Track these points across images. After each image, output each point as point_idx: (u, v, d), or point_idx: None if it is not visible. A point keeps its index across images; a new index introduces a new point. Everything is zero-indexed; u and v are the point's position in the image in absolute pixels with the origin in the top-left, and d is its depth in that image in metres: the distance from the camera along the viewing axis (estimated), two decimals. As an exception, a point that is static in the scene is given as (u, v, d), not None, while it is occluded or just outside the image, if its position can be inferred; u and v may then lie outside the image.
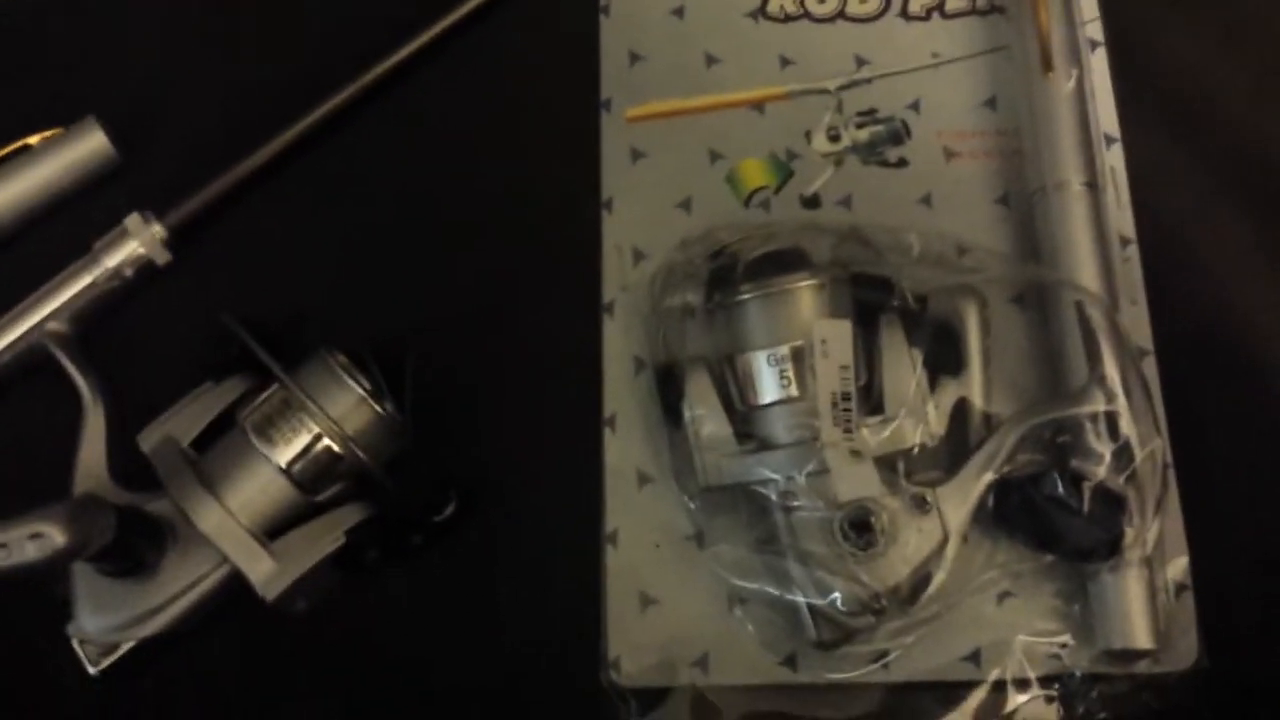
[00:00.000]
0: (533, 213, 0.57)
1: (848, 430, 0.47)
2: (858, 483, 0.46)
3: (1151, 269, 0.55)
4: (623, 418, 0.53)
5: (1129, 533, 0.47)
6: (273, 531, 0.48)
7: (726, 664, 0.50)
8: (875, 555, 0.46)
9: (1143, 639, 0.47)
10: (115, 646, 0.48)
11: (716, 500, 0.50)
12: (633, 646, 0.50)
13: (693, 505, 0.50)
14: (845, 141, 0.58)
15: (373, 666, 0.51)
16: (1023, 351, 0.53)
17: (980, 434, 0.49)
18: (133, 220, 0.55)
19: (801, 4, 0.61)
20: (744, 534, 0.50)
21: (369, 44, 0.58)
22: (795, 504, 0.47)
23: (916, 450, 0.47)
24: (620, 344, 0.54)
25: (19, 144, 0.57)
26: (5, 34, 0.62)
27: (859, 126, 0.58)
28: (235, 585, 0.48)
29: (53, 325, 0.54)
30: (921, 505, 0.47)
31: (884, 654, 0.48)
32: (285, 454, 0.49)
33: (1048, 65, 0.55)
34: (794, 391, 0.48)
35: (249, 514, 0.48)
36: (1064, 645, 0.49)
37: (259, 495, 0.49)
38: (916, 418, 0.48)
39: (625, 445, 0.52)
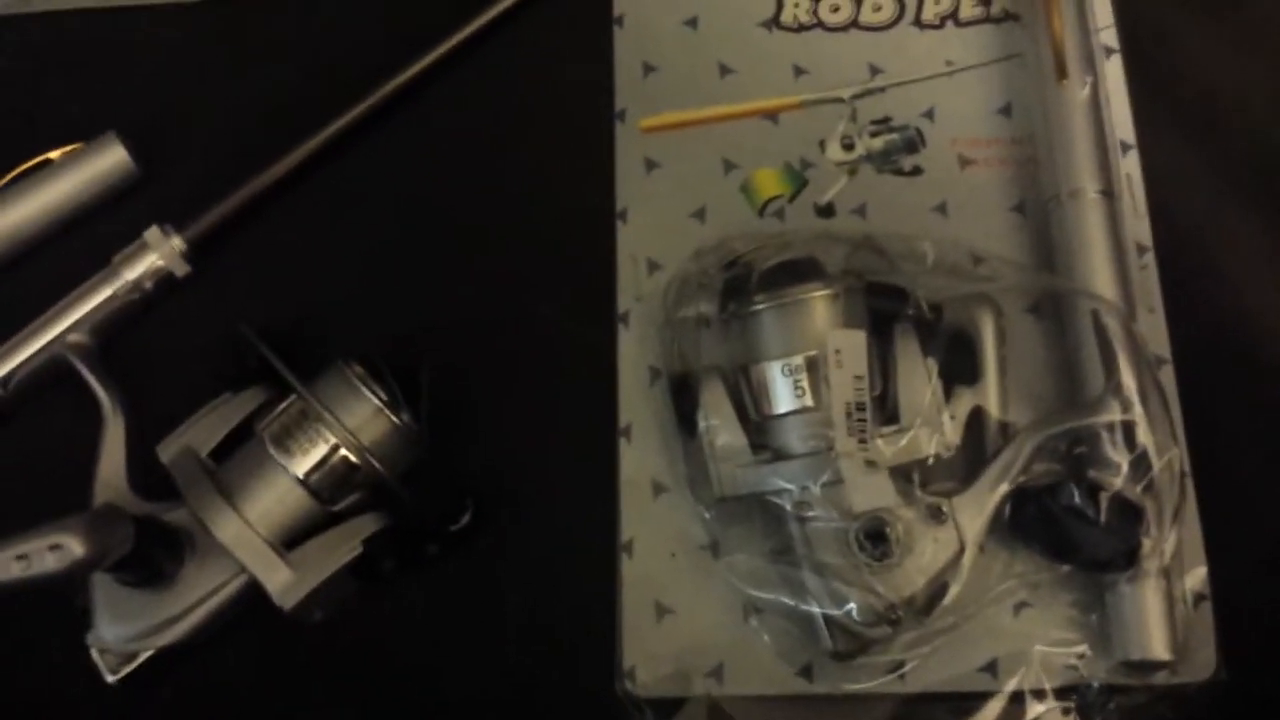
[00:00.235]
0: (548, 223, 0.57)
1: (862, 440, 0.47)
2: (873, 493, 0.46)
3: (1168, 276, 0.54)
4: (638, 427, 0.53)
5: (1146, 543, 0.46)
6: (290, 541, 0.49)
7: (742, 674, 0.50)
8: (891, 566, 0.46)
9: (1160, 650, 0.47)
10: (133, 655, 0.49)
11: (732, 510, 0.50)
12: (648, 656, 0.50)
13: (708, 515, 0.50)
14: (859, 150, 0.58)
15: (388, 676, 0.51)
16: (1039, 360, 0.52)
17: (997, 443, 0.48)
18: (152, 233, 0.55)
19: (815, 13, 0.61)
20: (759, 544, 0.50)
21: (385, 58, 0.59)
22: (810, 514, 0.47)
23: (932, 460, 0.47)
24: (635, 354, 0.54)
25: (40, 159, 0.58)
26: (26, 49, 0.63)
27: (873, 135, 0.58)
28: (253, 595, 0.48)
29: (73, 337, 0.54)
30: (937, 515, 0.47)
31: (900, 664, 0.48)
32: (303, 464, 0.49)
33: (1062, 73, 0.55)
34: (809, 401, 0.48)
35: (267, 524, 0.48)
36: (1081, 656, 0.48)
37: (277, 505, 0.49)
38: (932, 428, 0.47)
39: (640, 455, 0.53)
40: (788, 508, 0.47)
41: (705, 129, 0.58)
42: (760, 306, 0.49)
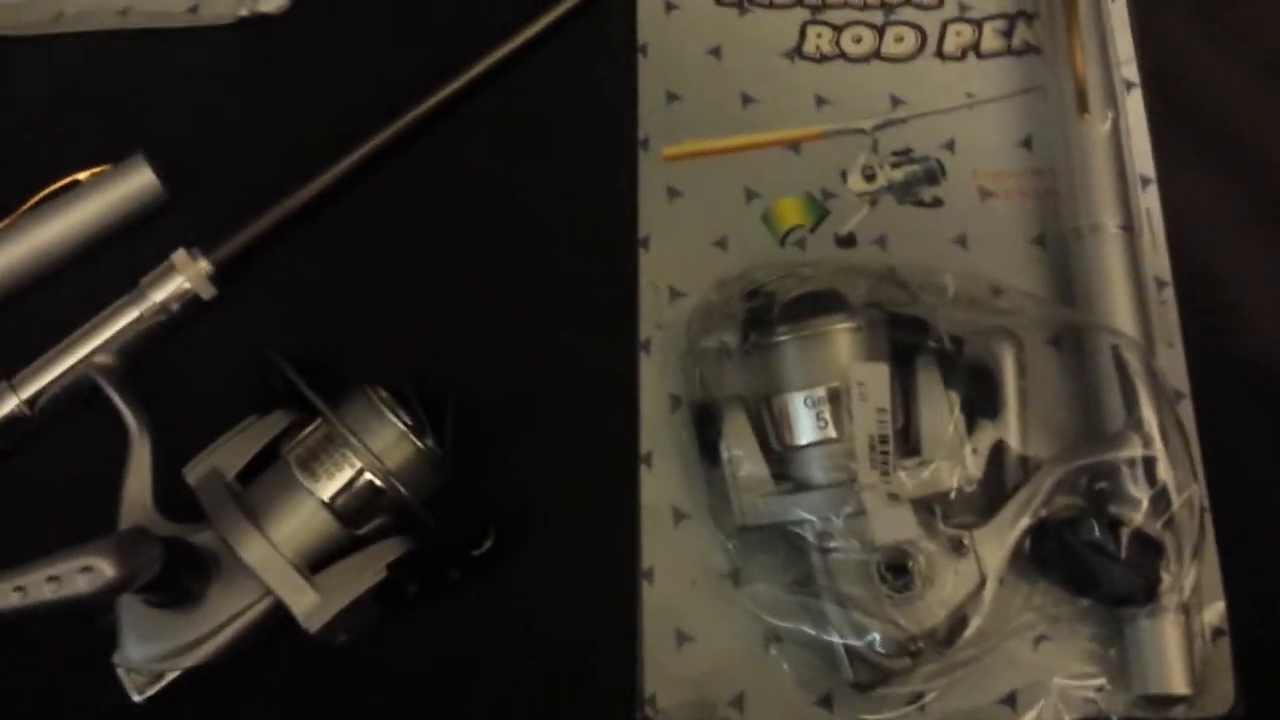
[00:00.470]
0: (571, 250, 0.58)
1: (885, 473, 0.47)
2: (895, 525, 0.46)
3: (1188, 311, 0.55)
4: (659, 455, 0.53)
5: (1166, 578, 0.47)
6: (315, 564, 0.49)
7: (762, 703, 0.50)
8: (912, 598, 0.46)
9: (1179, 684, 0.47)
10: (160, 675, 0.49)
11: (753, 539, 0.50)
12: (669, 683, 0.50)
13: (730, 544, 0.51)
14: (880, 181, 0.58)
15: (411, 699, 0.51)
16: (1059, 394, 0.53)
17: (1017, 476, 0.49)
18: (179, 256, 0.56)
19: (837, 44, 0.61)
20: (781, 574, 0.50)
21: (410, 85, 0.59)
22: (832, 545, 0.47)
23: (954, 494, 0.48)
24: (657, 382, 0.54)
25: (68, 180, 0.58)
26: (55, 72, 0.63)
27: (894, 166, 0.58)
28: (278, 617, 0.49)
29: (100, 359, 0.55)
30: (959, 548, 0.47)
31: (920, 696, 0.48)
32: (328, 488, 0.49)
33: (1083, 107, 0.55)
34: (831, 433, 0.48)
35: (292, 547, 0.49)
36: (1100, 689, 0.49)
37: (302, 528, 0.49)
38: (954, 461, 0.48)
39: (662, 482, 0.53)
40: (810, 538, 0.48)
41: (728, 158, 0.59)
42: (783, 338, 0.49)
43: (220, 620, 0.49)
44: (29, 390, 0.54)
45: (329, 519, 0.49)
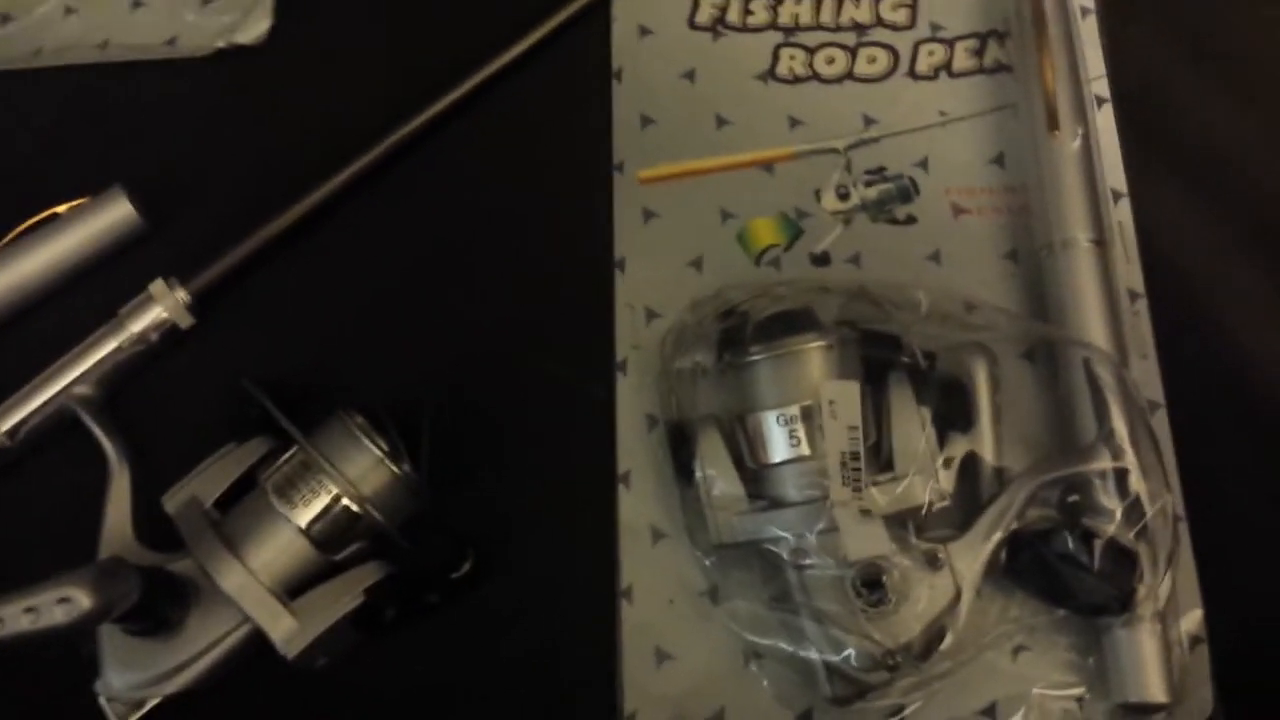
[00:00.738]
0: (547, 273, 0.58)
1: (857, 489, 0.47)
2: (867, 541, 0.47)
3: (1161, 322, 0.55)
4: (637, 474, 0.53)
5: (1141, 588, 0.47)
6: (293, 590, 0.49)
7: (742, 719, 0.50)
8: (887, 612, 0.46)
9: (1157, 692, 0.47)
10: (141, 703, 0.49)
11: (730, 557, 0.50)
12: (649, 701, 0.50)
13: (707, 562, 0.51)
14: (854, 200, 0.58)
15: (391, 723, 0.51)
16: (1033, 407, 0.53)
17: (991, 490, 0.49)
18: (157, 286, 0.56)
19: (810, 66, 0.62)
20: (758, 590, 0.50)
21: (387, 113, 0.60)
22: (807, 562, 0.47)
23: (926, 509, 0.48)
24: (633, 401, 0.55)
25: (47, 213, 0.59)
26: (35, 106, 0.64)
27: (868, 185, 0.59)
28: (257, 643, 0.49)
29: (79, 389, 0.55)
30: (933, 562, 0.47)
31: (900, 709, 0.48)
32: (305, 515, 0.50)
33: (1054, 124, 0.56)
34: (804, 450, 0.48)
35: (270, 574, 0.49)
36: (1079, 699, 0.49)
37: (280, 555, 0.49)
38: (926, 475, 0.48)
39: (639, 501, 0.53)
40: (784, 555, 0.48)
41: (702, 180, 0.59)
42: (756, 357, 0.49)
43: (200, 648, 0.49)
44: (9, 421, 0.54)
45: (306, 545, 0.50)
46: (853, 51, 0.62)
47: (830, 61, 0.62)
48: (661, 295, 0.56)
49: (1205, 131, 0.60)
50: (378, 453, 0.50)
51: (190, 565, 0.49)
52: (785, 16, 0.63)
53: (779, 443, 0.49)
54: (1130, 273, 0.56)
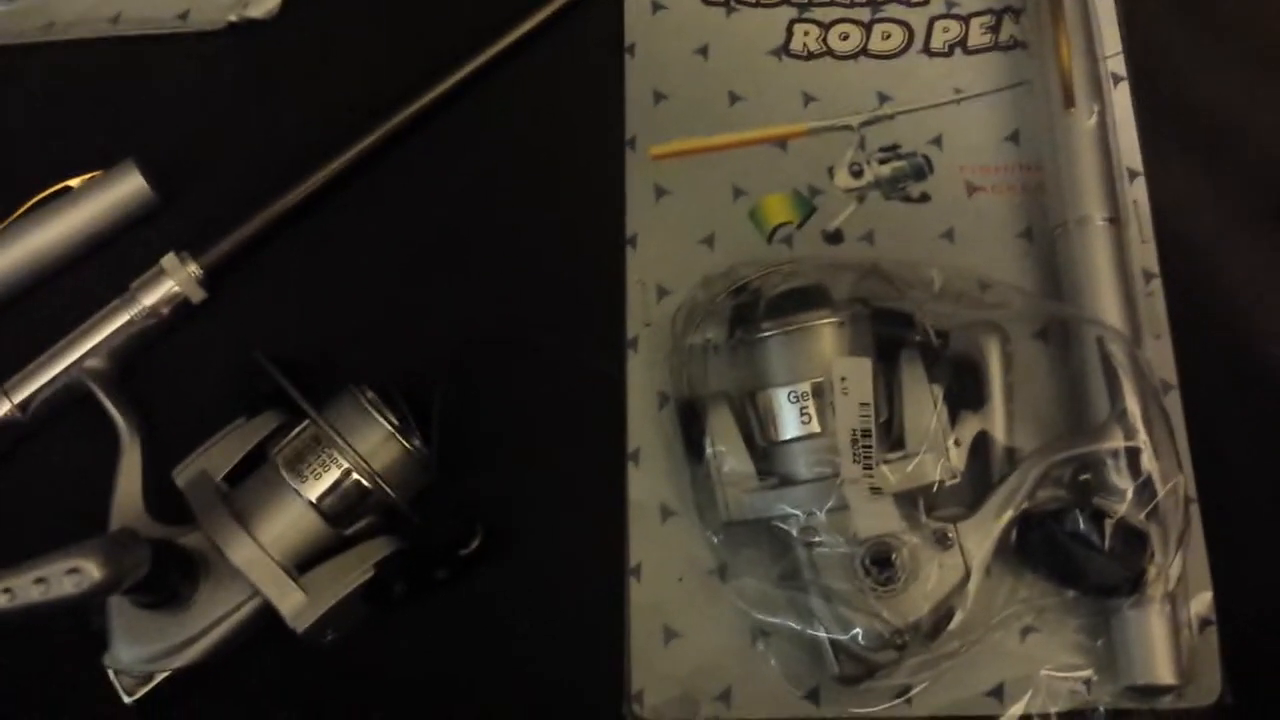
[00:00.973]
0: (558, 249, 0.58)
1: (867, 467, 0.47)
2: (877, 519, 0.47)
3: (1176, 302, 0.55)
4: (646, 452, 0.53)
5: (1151, 569, 0.47)
6: (303, 564, 0.49)
7: (749, 698, 0.50)
8: (896, 591, 0.46)
9: (1166, 674, 0.47)
10: (150, 676, 0.49)
11: (739, 535, 0.50)
12: (656, 679, 0.50)
13: (716, 540, 0.51)
14: (868, 177, 0.58)
15: (399, 697, 0.51)
16: (1046, 386, 0.53)
17: (1002, 469, 0.49)
18: (169, 260, 0.56)
19: (824, 42, 0.61)
20: (767, 568, 0.50)
21: (399, 86, 0.60)
22: (816, 540, 0.47)
23: (937, 487, 0.48)
24: (644, 379, 0.54)
25: (60, 186, 0.59)
26: (47, 80, 0.64)
27: (881, 162, 0.58)
28: (266, 617, 0.49)
29: (91, 362, 0.55)
30: (943, 541, 0.47)
31: (907, 689, 0.48)
32: (315, 489, 0.50)
33: (1069, 101, 0.55)
34: (815, 428, 0.48)
35: (280, 547, 0.49)
36: (1087, 680, 0.49)
37: (290, 529, 0.49)
38: (937, 454, 0.48)
39: (649, 479, 0.53)
40: (794, 533, 0.48)
41: (715, 156, 0.59)
42: (767, 334, 0.49)
43: (209, 621, 0.49)
44: (21, 394, 0.55)
45: (316, 519, 0.50)
46: (867, 27, 0.61)
47: (844, 38, 0.61)
48: (673, 272, 0.56)
49: (1222, 110, 0.60)
50: (388, 427, 0.50)
51: (200, 538, 0.50)
52: (799, -8, 0.62)
53: (790, 420, 0.48)
54: (1145, 252, 0.56)
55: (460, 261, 0.58)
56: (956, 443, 0.48)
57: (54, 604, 0.43)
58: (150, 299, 0.56)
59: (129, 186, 0.58)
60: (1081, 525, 0.47)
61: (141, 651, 0.49)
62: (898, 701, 0.48)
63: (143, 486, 0.52)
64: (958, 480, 0.48)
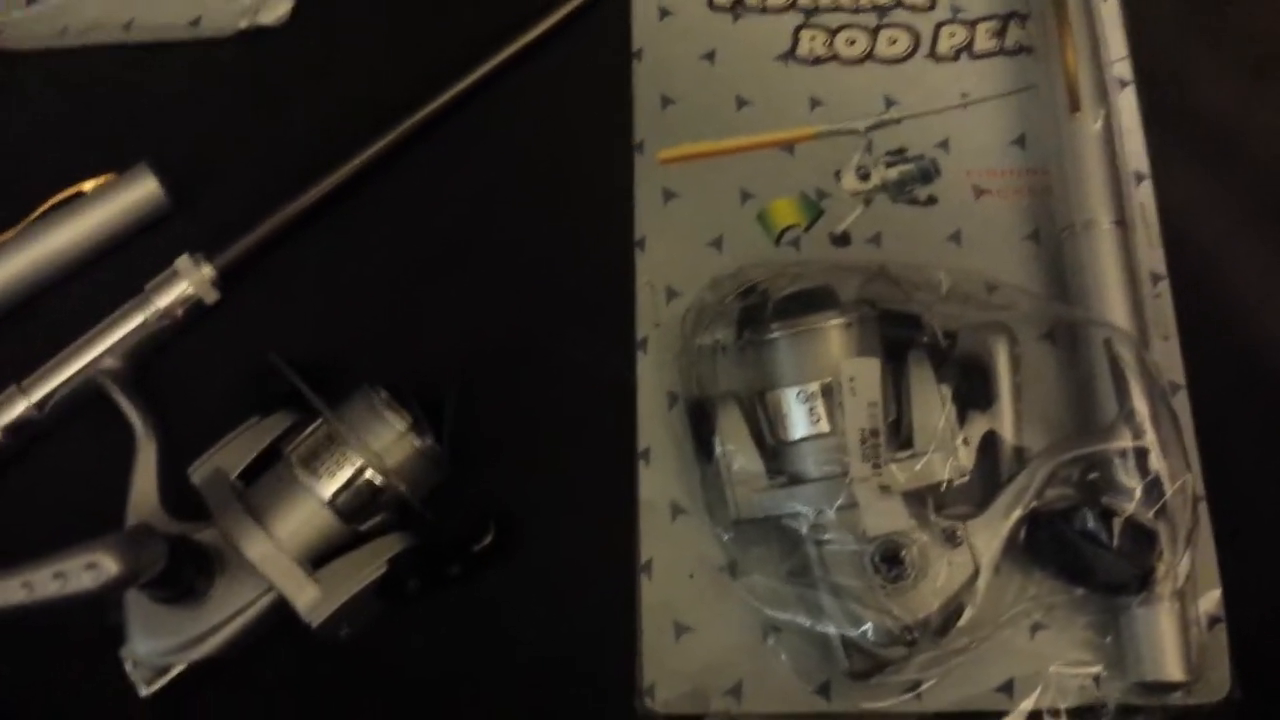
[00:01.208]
0: (569, 252, 0.58)
1: (876, 465, 0.47)
2: (886, 517, 0.47)
3: (1183, 304, 0.55)
4: (657, 451, 0.54)
5: (1160, 567, 0.47)
6: (317, 560, 0.50)
7: (760, 692, 0.50)
8: (905, 588, 0.47)
9: (1175, 671, 0.47)
10: (166, 669, 0.50)
11: (749, 532, 0.51)
12: (667, 674, 0.51)
13: (726, 537, 0.51)
14: (875, 180, 0.59)
15: (412, 692, 0.52)
16: (1053, 387, 0.53)
17: (1011, 468, 0.49)
18: (183, 261, 0.57)
19: (831, 46, 0.62)
20: (777, 565, 0.50)
21: (410, 91, 0.60)
22: (826, 537, 0.48)
23: (946, 485, 0.48)
24: (654, 379, 0.55)
25: (74, 189, 0.59)
26: (61, 85, 0.65)
27: (889, 165, 0.59)
28: (281, 612, 0.49)
29: (107, 362, 0.55)
30: (952, 538, 0.47)
31: (917, 684, 0.49)
32: (329, 486, 0.50)
33: (1075, 105, 0.56)
34: (824, 427, 0.48)
35: (294, 544, 0.49)
36: (1096, 677, 0.49)
37: (304, 525, 0.50)
38: (945, 452, 0.48)
39: (659, 478, 0.53)
40: (803, 531, 0.48)
41: (722, 160, 0.59)
42: (776, 334, 0.50)
43: (224, 615, 0.49)
44: (38, 394, 0.55)
45: (330, 516, 0.50)
46: (873, 33, 0.62)
47: (851, 43, 0.62)
48: (682, 274, 0.57)
49: (1227, 113, 0.60)
50: (401, 426, 0.51)
51: (215, 535, 0.50)
52: (806, -2, 0.63)
53: (799, 419, 0.49)
54: (1152, 255, 0.56)
55: (471, 263, 0.59)
56: (965, 442, 0.49)
57: (71, 598, 0.44)
58: (164, 300, 0.56)
59: (142, 189, 0.59)
60: (1090, 523, 0.47)
61: (158, 644, 0.49)
62: (908, 696, 0.49)
63: (158, 484, 0.53)
64: (966, 479, 0.49)
